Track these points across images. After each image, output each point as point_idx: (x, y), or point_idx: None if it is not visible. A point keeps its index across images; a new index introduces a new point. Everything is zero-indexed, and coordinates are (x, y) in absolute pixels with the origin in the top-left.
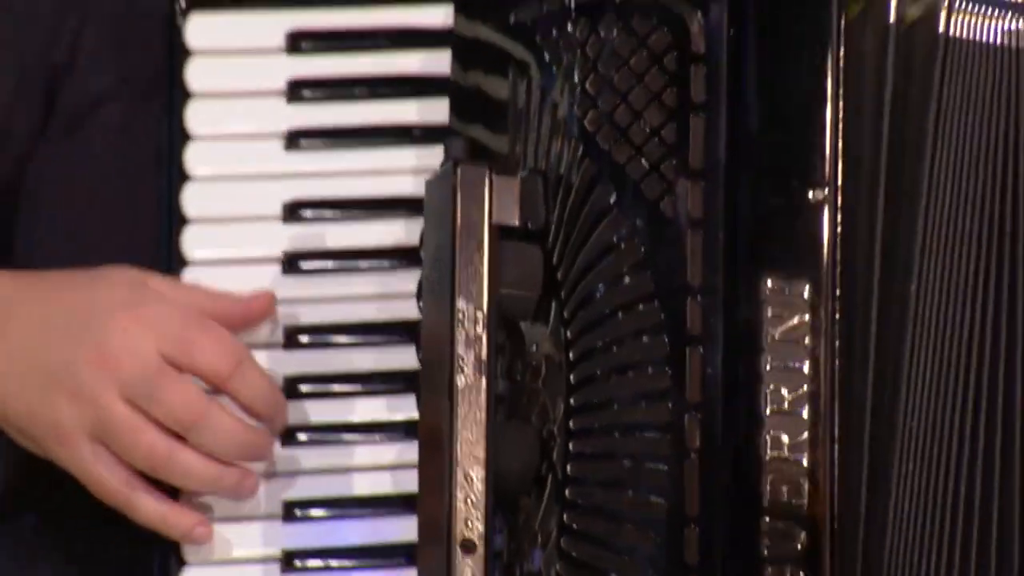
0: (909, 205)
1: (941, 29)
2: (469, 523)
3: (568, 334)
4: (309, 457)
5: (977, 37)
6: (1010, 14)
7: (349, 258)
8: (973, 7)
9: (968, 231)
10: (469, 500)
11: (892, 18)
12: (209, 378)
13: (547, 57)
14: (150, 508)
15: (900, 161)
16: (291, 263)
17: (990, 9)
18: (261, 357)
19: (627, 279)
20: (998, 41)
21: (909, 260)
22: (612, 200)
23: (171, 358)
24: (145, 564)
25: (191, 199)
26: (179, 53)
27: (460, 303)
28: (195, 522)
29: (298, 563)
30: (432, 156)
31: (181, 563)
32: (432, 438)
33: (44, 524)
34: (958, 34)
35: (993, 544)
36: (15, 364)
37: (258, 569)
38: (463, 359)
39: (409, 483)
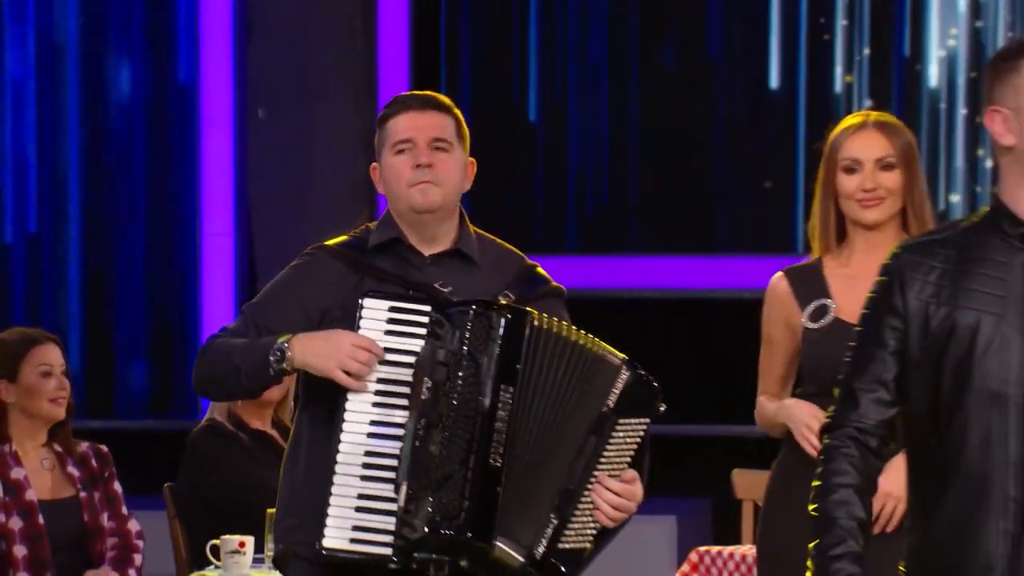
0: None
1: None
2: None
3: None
4: None
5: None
6: None
7: None
8: None
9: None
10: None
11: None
12: (367, 347)
13: (455, 325)
14: (352, 384)
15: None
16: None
17: None
18: None
19: (459, 385)
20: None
21: None
22: (465, 363)
23: (357, 344)
24: None
25: None
26: None
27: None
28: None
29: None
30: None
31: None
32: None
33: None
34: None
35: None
36: (313, 348)
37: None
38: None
39: None
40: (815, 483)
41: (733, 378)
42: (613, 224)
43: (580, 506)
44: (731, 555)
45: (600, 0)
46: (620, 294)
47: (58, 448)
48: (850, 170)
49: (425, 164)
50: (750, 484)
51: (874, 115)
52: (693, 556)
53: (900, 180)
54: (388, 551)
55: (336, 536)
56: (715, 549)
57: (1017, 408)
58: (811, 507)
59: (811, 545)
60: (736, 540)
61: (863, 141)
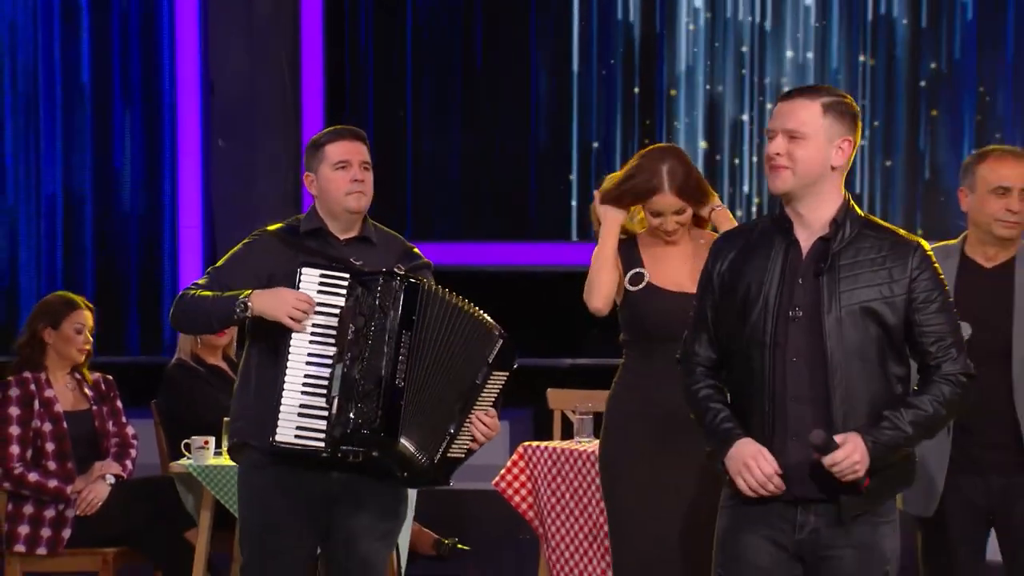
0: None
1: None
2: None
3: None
4: None
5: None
6: None
7: None
8: None
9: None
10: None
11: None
12: (306, 300)
13: (369, 288)
14: (295, 327)
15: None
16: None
17: None
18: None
19: (373, 330)
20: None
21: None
22: (377, 315)
23: (299, 298)
24: None
25: None
26: None
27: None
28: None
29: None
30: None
31: None
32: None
33: None
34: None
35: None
36: (267, 301)
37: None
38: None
39: None
40: (688, 395)
41: (548, 327)
42: (465, 217)
43: (463, 429)
44: (545, 448)
45: (455, 65)
46: (470, 269)
47: (78, 376)
48: (655, 215)
49: (359, 179)
50: (559, 399)
51: (677, 177)
52: (520, 449)
53: (689, 216)
54: (322, 444)
55: (284, 433)
56: (535, 444)
57: (769, 349)
58: (691, 415)
59: (701, 426)
60: (549, 438)
61: (665, 200)
